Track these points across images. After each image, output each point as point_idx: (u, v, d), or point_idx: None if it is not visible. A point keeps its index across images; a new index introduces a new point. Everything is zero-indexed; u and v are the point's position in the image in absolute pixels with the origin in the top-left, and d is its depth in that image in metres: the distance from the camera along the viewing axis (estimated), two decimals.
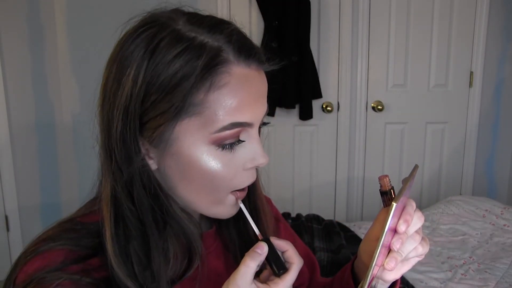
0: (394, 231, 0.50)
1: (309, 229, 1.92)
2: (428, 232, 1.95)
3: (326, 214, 2.43)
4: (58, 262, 0.47)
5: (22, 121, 2.28)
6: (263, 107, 0.53)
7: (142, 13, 0.51)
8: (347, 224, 2.05)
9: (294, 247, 0.53)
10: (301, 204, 2.68)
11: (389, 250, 0.51)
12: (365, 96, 2.59)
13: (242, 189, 0.55)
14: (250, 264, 0.48)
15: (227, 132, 0.49)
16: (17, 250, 2.30)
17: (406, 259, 0.53)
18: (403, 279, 1.51)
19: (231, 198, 0.54)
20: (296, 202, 2.68)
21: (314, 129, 2.62)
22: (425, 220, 2.06)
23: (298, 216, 2.08)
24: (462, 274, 1.57)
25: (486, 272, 1.57)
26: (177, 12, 0.51)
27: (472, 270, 1.59)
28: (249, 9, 2.46)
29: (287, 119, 2.56)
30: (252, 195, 0.62)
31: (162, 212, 0.53)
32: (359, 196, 2.73)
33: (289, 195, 2.68)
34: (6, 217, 2.25)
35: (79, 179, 2.49)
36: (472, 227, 1.95)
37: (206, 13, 0.53)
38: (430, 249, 1.78)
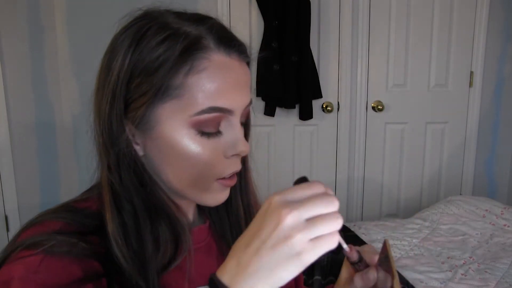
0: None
1: None
2: (428, 232, 1.95)
3: None
4: (56, 229, 0.49)
5: (22, 121, 2.27)
6: (244, 96, 0.54)
7: (136, 10, 0.55)
8: (347, 224, 2.05)
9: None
10: None
11: None
12: (365, 96, 2.59)
13: (229, 178, 0.56)
14: None
15: (206, 116, 0.51)
16: None
17: None
18: (403, 279, 1.50)
19: (217, 186, 0.55)
20: None
21: (314, 129, 2.62)
22: (425, 220, 2.06)
23: None
24: (462, 274, 1.57)
25: (486, 272, 1.57)
26: (168, 10, 0.55)
27: (472, 270, 1.59)
28: (249, 9, 2.46)
29: (287, 119, 2.56)
30: (245, 192, 0.64)
31: (151, 198, 0.54)
32: (359, 196, 2.73)
33: None
34: (6, 217, 2.25)
35: (79, 179, 2.49)
36: (472, 227, 1.95)
37: (195, 11, 0.57)
38: (430, 249, 1.78)
